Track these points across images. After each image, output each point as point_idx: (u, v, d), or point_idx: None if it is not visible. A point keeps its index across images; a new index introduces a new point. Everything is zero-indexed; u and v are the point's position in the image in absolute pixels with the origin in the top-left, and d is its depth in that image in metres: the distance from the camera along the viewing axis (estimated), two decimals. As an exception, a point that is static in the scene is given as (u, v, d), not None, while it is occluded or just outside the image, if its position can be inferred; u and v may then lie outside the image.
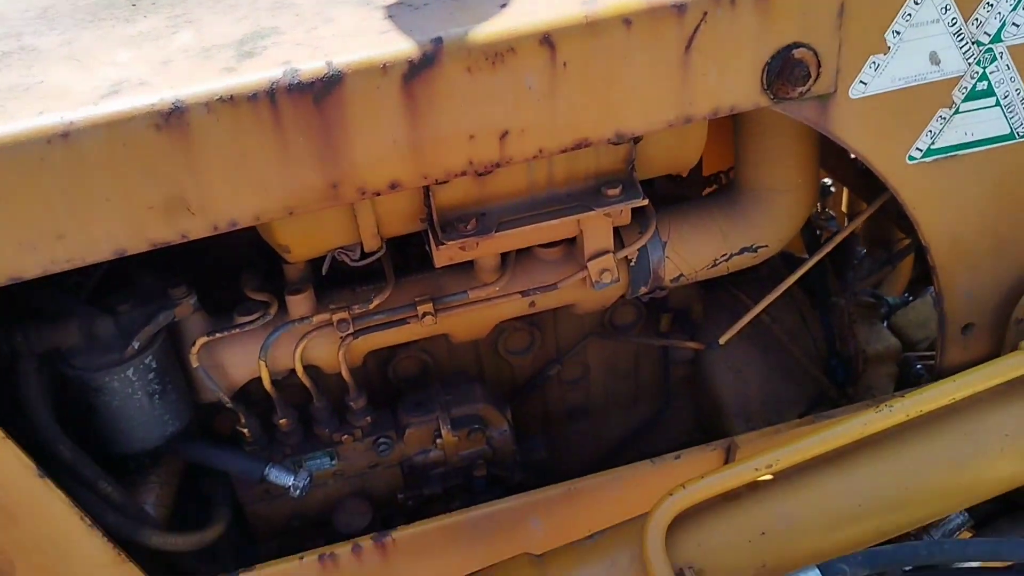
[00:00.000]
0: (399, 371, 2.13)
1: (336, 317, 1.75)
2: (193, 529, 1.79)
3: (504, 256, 1.81)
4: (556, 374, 2.27)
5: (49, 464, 1.52)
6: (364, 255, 1.68)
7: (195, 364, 1.71)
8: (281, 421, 1.88)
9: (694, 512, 1.51)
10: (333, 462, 1.97)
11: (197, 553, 1.83)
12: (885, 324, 2.48)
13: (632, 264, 1.83)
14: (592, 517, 1.76)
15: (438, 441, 1.98)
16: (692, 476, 1.51)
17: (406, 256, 1.95)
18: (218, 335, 1.71)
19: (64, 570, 1.58)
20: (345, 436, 1.94)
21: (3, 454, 1.44)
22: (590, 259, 1.76)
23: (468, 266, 1.82)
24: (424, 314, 1.77)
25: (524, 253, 1.83)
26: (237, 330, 1.72)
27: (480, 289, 1.79)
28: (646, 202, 1.63)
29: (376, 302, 1.76)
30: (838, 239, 2.03)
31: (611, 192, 1.63)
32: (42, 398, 1.57)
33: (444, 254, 1.66)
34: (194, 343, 1.70)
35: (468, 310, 1.81)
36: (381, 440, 1.97)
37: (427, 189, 1.57)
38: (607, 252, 1.76)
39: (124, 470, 1.78)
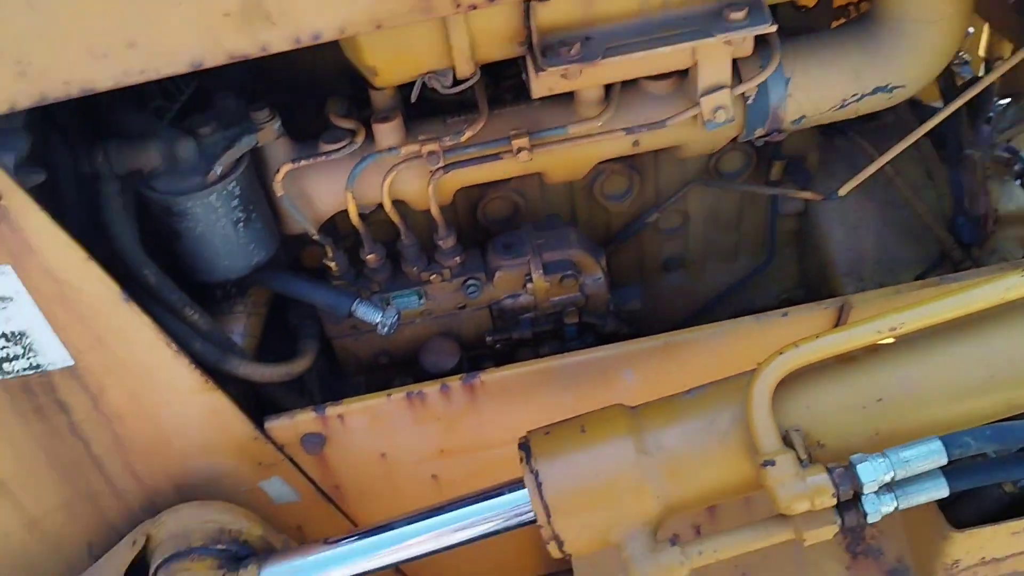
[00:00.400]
0: (489, 212, 2.03)
1: (426, 149, 1.64)
2: (281, 360, 1.78)
3: (608, 89, 1.65)
4: (654, 222, 2.14)
5: (134, 289, 1.49)
6: (456, 82, 1.55)
7: (280, 192, 1.64)
8: (369, 256, 1.82)
9: (804, 373, 1.39)
10: (421, 301, 1.91)
11: (284, 385, 1.82)
12: (1019, 183, 2.25)
13: (749, 102, 1.66)
14: (689, 373, 1.67)
15: (529, 286, 1.90)
16: (800, 335, 1.40)
17: (499, 89, 1.81)
18: (303, 162, 1.63)
19: (152, 395, 1.58)
20: (433, 275, 1.87)
21: (88, 277, 1.41)
22: (704, 94, 1.60)
23: (568, 98, 1.67)
24: (519, 149, 1.65)
25: (630, 86, 1.67)
26: (323, 158, 1.63)
27: (580, 124, 1.65)
28: (775, 28, 1.45)
29: (468, 134, 1.64)
30: (982, 84, 1.81)
31: (734, 16, 1.44)
32: (125, 221, 1.54)
33: (543, 82, 1.52)
34: (278, 170, 1.62)
35: (566, 147, 1.68)
36: (470, 281, 1.89)
37: (527, 6, 1.42)
38: (723, 87, 1.59)
39: (211, 299, 1.75)
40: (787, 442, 1.33)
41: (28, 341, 1.45)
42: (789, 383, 1.38)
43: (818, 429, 1.37)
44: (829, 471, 1.29)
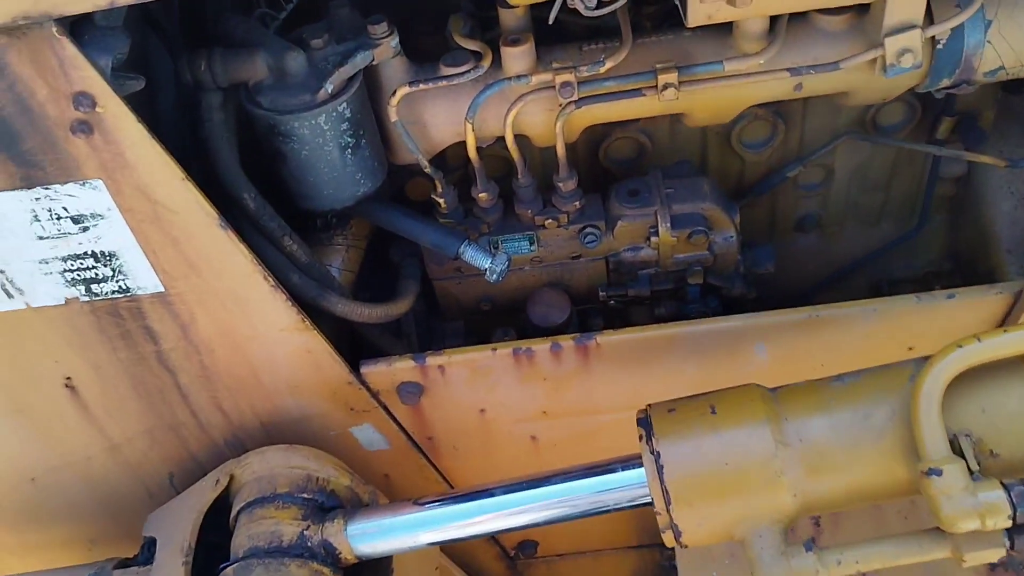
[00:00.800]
0: (612, 153, 1.85)
1: (559, 79, 1.46)
2: (378, 299, 1.65)
3: (773, 22, 1.44)
4: (794, 176, 1.92)
5: (232, 215, 1.37)
6: (600, 4, 1.35)
7: (393, 118, 1.49)
8: (481, 195, 1.66)
9: (980, 371, 1.20)
10: (532, 247, 1.75)
11: (381, 325, 1.69)
12: None
13: (939, 47, 1.42)
14: (832, 353, 1.49)
15: (652, 239, 1.72)
16: (965, 321, 1.20)
17: (639, 15, 1.61)
18: (422, 86, 1.47)
19: (244, 329, 1.47)
20: (548, 220, 1.70)
21: (184, 198, 1.29)
22: (889, 34, 1.38)
23: (725, 30, 1.47)
24: (665, 85, 1.45)
25: (799, 20, 1.46)
26: (444, 82, 1.47)
27: (739, 61, 1.45)
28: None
29: (608, 65, 1.46)
30: None
31: (939, -58, 1.21)
32: (226, 138, 1.41)
33: (703, 9, 1.31)
34: (394, 93, 1.47)
35: (718, 86, 1.48)
36: (588, 230, 1.72)
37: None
38: (914, 27, 1.36)
39: (309, 228, 1.63)
40: (954, 448, 1.16)
41: (118, 263, 1.35)
42: (962, 381, 1.19)
43: (993, 436, 1.19)
44: (1007, 488, 1.11)
